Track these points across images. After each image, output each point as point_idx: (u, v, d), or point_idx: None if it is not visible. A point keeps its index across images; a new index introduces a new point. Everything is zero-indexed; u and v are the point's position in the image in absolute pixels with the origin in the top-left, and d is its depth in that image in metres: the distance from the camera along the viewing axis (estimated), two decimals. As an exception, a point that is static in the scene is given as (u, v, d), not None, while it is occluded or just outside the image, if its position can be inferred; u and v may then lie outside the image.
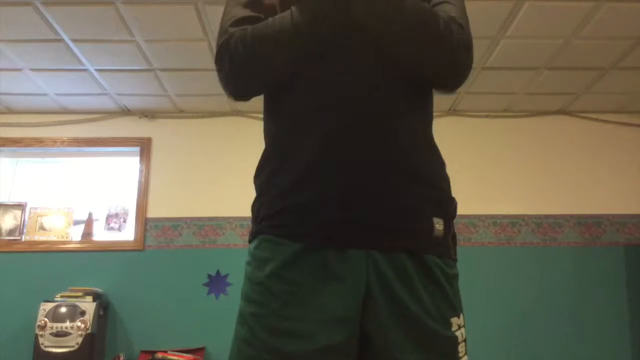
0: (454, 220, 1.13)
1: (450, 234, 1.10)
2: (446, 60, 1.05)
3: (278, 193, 1.05)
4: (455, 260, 1.11)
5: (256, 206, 1.11)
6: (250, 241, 1.11)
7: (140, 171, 3.85)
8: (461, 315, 1.07)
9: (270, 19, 1.05)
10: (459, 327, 1.05)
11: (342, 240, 1.01)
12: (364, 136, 1.02)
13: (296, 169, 1.03)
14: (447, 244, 1.09)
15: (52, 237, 3.71)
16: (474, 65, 1.16)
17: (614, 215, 3.78)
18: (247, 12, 1.11)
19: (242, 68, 1.06)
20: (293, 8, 1.03)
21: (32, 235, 3.72)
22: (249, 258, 1.09)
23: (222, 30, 1.10)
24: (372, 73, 1.05)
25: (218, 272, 3.63)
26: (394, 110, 1.05)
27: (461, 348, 1.05)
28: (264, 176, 1.10)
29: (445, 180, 1.13)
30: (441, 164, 1.13)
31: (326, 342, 0.97)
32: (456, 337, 1.04)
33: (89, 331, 3.17)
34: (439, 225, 1.06)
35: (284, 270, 1.01)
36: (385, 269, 1.01)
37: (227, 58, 1.06)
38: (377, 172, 1.02)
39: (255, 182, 1.14)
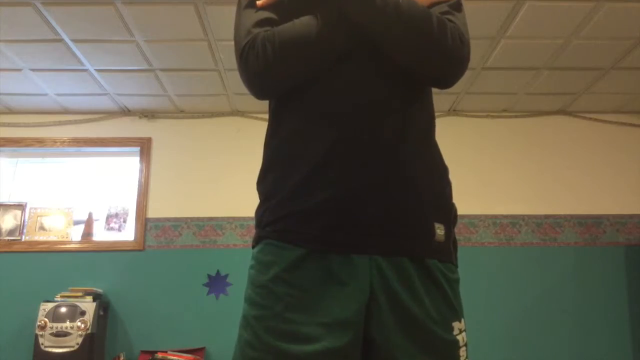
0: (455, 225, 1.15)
1: (451, 240, 1.11)
2: (441, 56, 1.06)
3: (282, 199, 1.07)
4: (456, 265, 1.12)
5: (260, 212, 1.12)
6: (253, 246, 1.12)
7: (140, 171, 3.85)
8: (462, 320, 1.08)
9: (293, 22, 1.07)
10: (460, 332, 1.06)
11: (345, 246, 1.02)
12: (367, 144, 1.04)
13: (300, 175, 1.05)
14: (448, 249, 1.10)
15: (52, 237, 3.71)
16: (474, 65, 1.18)
17: (614, 215, 3.78)
18: (265, 14, 1.12)
19: (271, 68, 1.06)
20: (317, 13, 1.06)
21: (32, 235, 3.72)
22: (253, 262, 1.09)
23: (245, 31, 1.10)
24: (375, 81, 1.08)
25: (218, 272, 3.63)
26: (397, 118, 1.07)
27: (462, 352, 1.06)
28: (268, 182, 1.11)
29: (447, 186, 1.14)
30: (444, 169, 1.15)
31: (330, 345, 0.97)
32: (457, 341, 1.05)
33: (89, 331, 3.17)
34: (440, 230, 1.07)
35: (288, 273, 1.02)
36: (388, 273, 1.01)
37: (253, 57, 1.06)
38: (379, 179, 1.03)
39: (258, 188, 1.15)
